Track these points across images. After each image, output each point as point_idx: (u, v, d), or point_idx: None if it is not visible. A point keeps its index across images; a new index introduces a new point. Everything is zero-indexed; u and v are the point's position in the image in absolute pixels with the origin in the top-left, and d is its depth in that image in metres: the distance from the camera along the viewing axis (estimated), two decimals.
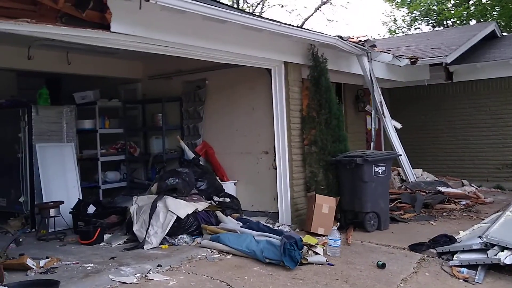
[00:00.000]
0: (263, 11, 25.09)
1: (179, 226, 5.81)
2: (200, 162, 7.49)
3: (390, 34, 25.21)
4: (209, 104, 7.85)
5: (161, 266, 4.82)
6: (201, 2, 4.81)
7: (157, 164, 8.21)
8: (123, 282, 4.35)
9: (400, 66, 9.25)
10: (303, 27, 8.45)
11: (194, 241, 5.78)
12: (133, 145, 8.53)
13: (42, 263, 4.87)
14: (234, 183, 7.44)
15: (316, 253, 5.11)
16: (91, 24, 4.35)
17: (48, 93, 7.37)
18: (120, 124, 8.54)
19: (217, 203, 6.58)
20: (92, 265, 4.92)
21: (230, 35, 5.74)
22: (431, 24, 24.36)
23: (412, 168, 8.79)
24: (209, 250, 5.41)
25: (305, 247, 5.07)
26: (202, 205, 6.18)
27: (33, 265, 4.74)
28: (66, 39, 4.54)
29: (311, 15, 25.59)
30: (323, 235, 5.99)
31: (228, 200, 6.78)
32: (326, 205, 6.24)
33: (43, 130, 7.04)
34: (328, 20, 29.71)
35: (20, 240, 5.80)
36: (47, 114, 7.14)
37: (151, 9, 4.51)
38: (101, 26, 4.38)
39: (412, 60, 9.34)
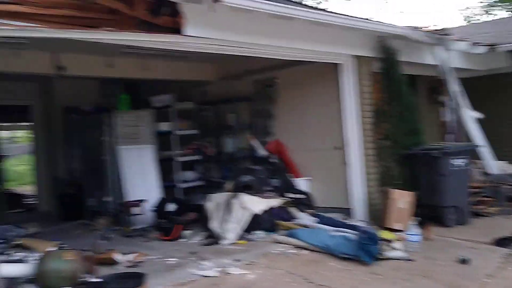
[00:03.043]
0: (320, 3, 24.17)
1: (255, 222, 5.93)
2: (273, 160, 7.57)
3: (466, 21, 23.98)
4: (280, 102, 7.92)
5: (239, 260, 4.95)
6: (267, 1, 4.88)
7: (230, 162, 8.40)
8: (204, 276, 4.52)
9: (477, 54, 8.79)
10: (372, 19, 8.28)
11: (269, 236, 5.87)
12: (207, 145, 8.80)
13: (128, 257, 5.17)
14: (307, 180, 7.44)
15: (394, 249, 5.01)
16: (166, 29, 4.57)
17: (128, 98, 7.80)
18: (194, 125, 8.84)
19: (290, 199, 6.63)
20: (174, 259, 5.16)
21: (298, 31, 5.76)
22: (510, 10, 22.86)
23: (494, 161, 8.32)
24: (284, 245, 5.47)
25: (382, 242, 4.99)
26: (276, 202, 6.26)
27: (121, 259, 5.06)
28: (143, 45, 4.80)
29: (381, 7, 24.89)
30: (400, 230, 5.85)
31: (301, 196, 6.81)
32: (402, 199, 6.09)
33: (125, 133, 7.46)
34: (399, 11, 28.76)
35: (108, 236, 6.19)
36: (128, 118, 7.56)
37: (220, 11, 4.65)
38: (174, 31, 4.59)
39: (491, 47, 8.84)
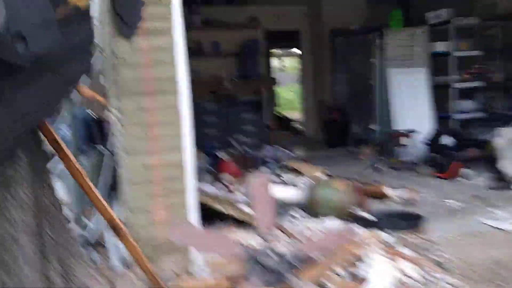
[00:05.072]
0: None
1: None
2: None
3: None
4: None
5: None
6: None
7: None
8: (498, 228, 3.60)
9: None
10: None
11: None
12: (491, 69, 7.30)
13: (399, 193, 4.59)
14: None
15: None
16: None
17: (399, 15, 6.93)
18: (477, 45, 7.39)
19: None
20: (453, 201, 4.35)
21: None
22: None
23: None
24: None
25: None
26: None
27: (391, 194, 4.52)
28: None
29: None
30: None
31: None
32: None
33: (395, 54, 6.69)
34: None
35: (377, 167, 5.73)
36: (399, 37, 6.74)
37: None
38: None
39: None
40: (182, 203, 3.24)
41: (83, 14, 2.15)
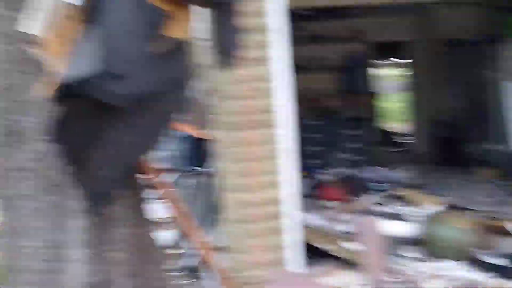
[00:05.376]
0: None
1: None
2: None
3: None
4: None
5: None
6: None
7: None
8: None
9: None
10: None
11: None
12: None
13: None
14: None
15: None
16: None
17: None
18: None
19: None
20: None
21: None
22: None
23: None
24: None
25: None
26: None
27: None
28: None
29: None
30: None
31: None
32: None
33: None
34: None
35: (501, 195, 5.08)
36: None
37: None
38: None
39: None
40: (281, 243, 3.06)
41: (181, 47, 2.04)
